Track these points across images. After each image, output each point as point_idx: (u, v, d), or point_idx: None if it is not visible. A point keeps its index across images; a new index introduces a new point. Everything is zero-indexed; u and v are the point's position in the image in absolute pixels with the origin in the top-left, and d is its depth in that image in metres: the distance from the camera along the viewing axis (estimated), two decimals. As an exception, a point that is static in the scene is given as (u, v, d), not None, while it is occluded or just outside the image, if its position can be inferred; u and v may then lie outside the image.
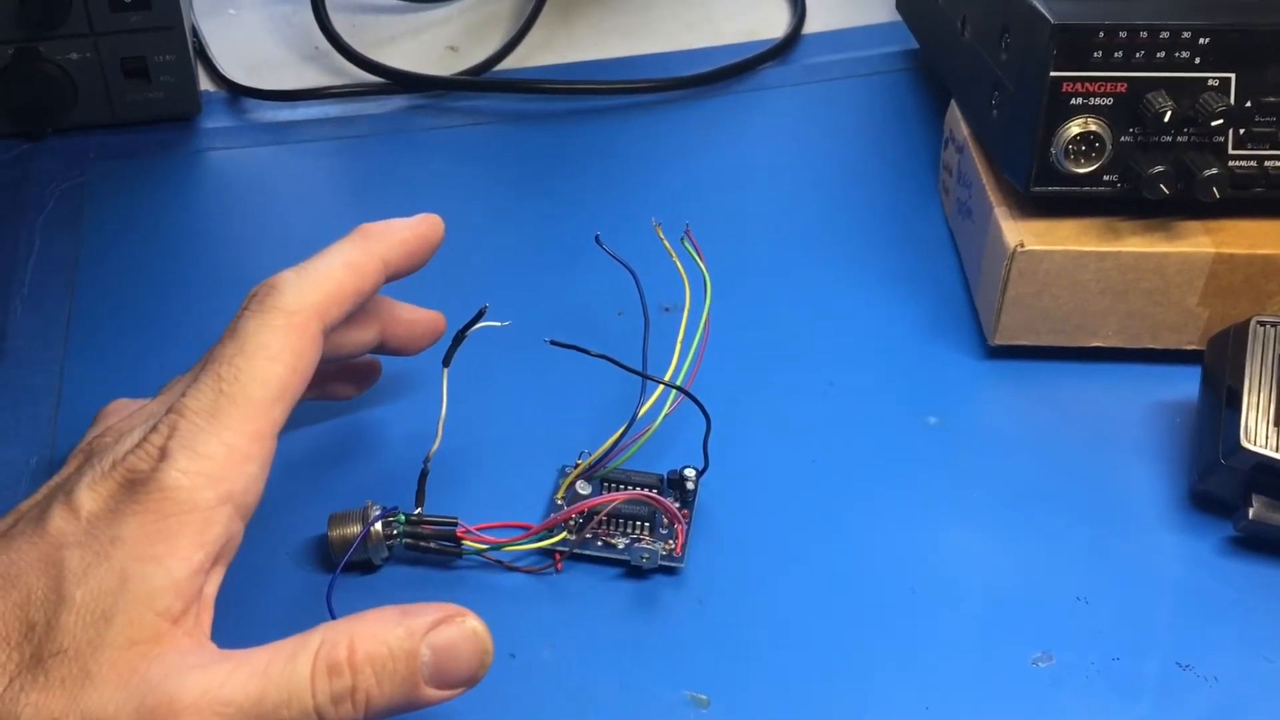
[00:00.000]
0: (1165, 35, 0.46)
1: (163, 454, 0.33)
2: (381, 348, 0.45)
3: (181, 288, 0.55)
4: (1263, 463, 0.42)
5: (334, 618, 0.39)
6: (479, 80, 0.68)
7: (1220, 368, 0.45)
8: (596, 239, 0.46)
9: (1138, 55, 0.46)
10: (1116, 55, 0.46)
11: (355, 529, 0.42)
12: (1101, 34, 0.46)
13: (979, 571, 0.44)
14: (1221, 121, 0.47)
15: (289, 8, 0.74)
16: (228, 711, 0.32)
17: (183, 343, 0.51)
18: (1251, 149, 0.48)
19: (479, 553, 0.43)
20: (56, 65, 0.61)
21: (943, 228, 0.59)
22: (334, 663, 0.33)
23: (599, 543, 0.43)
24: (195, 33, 0.68)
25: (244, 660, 0.33)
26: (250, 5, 0.74)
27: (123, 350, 0.52)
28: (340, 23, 0.67)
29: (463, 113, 0.67)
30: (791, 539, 0.45)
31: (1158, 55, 0.46)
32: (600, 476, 0.45)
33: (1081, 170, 0.48)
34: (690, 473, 0.45)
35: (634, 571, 0.43)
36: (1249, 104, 0.47)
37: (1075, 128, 0.47)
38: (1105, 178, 0.48)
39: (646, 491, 0.43)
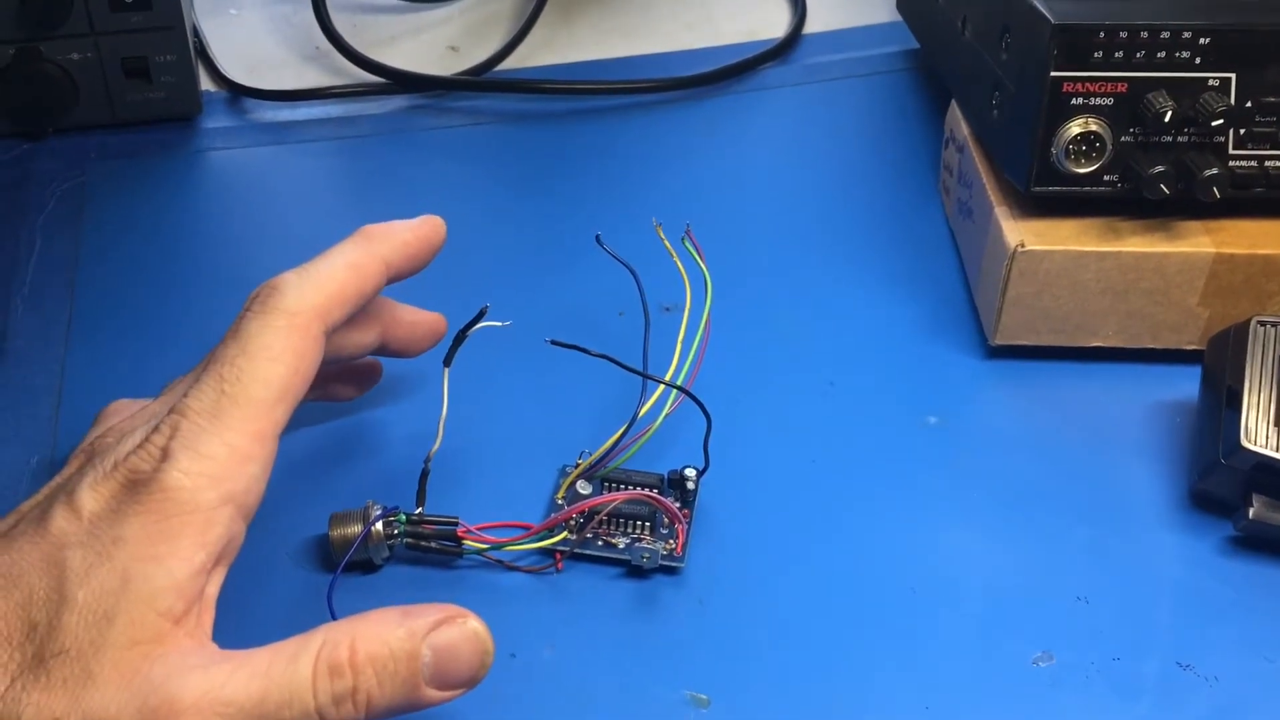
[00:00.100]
0: (1166, 35, 0.46)
1: (165, 454, 0.33)
2: (383, 350, 0.45)
3: (182, 288, 0.55)
4: (1263, 462, 0.42)
5: (335, 617, 0.39)
6: (479, 80, 0.68)
7: (1220, 368, 0.45)
8: (597, 239, 0.46)
9: (1138, 55, 0.46)
10: (1117, 55, 0.46)
11: (356, 529, 0.42)
12: (1102, 34, 0.46)
13: (979, 571, 0.44)
14: (1222, 121, 0.47)
15: (290, 8, 0.74)
16: (229, 712, 0.32)
17: (183, 343, 0.51)
18: (1252, 149, 0.48)
19: (480, 552, 0.43)
20: (57, 65, 0.61)
21: (943, 228, 0.59)
22: (335, 663, 0.33)
23: (599, 542, 0.43)
24: (196, 33, 0.68)
25: (245, 661, 0.33)
26: (251, 5, 0.74)
27: (123, 350, 0.52)
28: (341, 23, 0.67)
29: (463, 113, 0.67)
30: (792, 539, 0.45)
31: (1158, 55, 0.46)
32: (601, 476, 0.45)
33: (1082, 170, 0.48)
34: (691, 472, 0.45)
35: (634, 571, 0.43)
36: (1249, 104, 0.47)
37: (1076, 128, 0.47)
38: (1106, 178, 0.48)
39: (647, 491, 0.43)
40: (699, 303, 0.45)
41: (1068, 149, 0.48)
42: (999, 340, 0.51)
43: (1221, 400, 0.44)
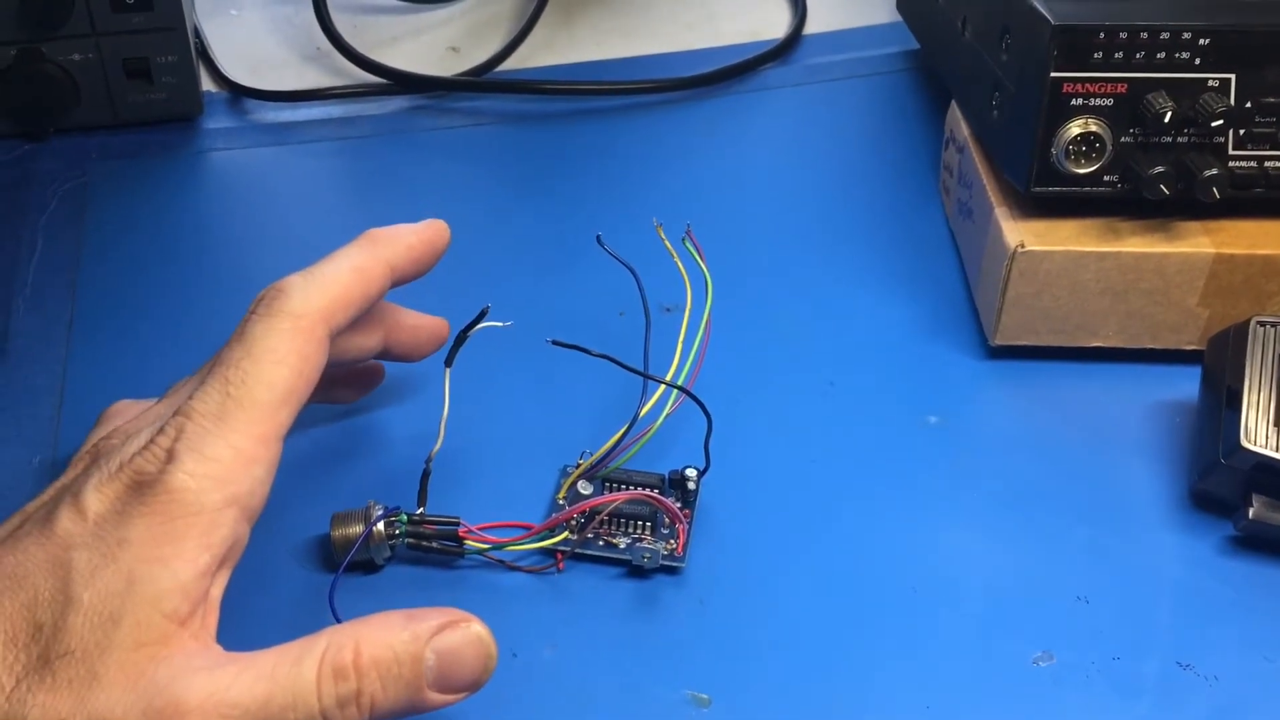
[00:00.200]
0: (1165, 36, 0.46)
1: (170, 456, 0.34)
2: (385, 354, 0.45)
3: (183, 288, 0.55)
4: (1263, 462, 0.42)
5: (336, 617, 0.39)
6: (480, 81, 0.68)
7: (1220, 368, 0.45)
8: (598, 239, 0.46)
9: (1138, 56, 0.46)
10: (1117, 56, 0.46)
11: (358, 529, 0.42)
12: (1102, 34, 0.46)
13: (979, 571, 0.44)
14: (1221, 122, 0.47)
15: (291, 8, 0.74)
16: (234, 714, 0.32)
17: (184, 342, 0.51)
18: (1251, 149, 0.48)
19: (481, 552, 0.43)
20: (58, 66, 0.61)
21: (943, 228, 0.59)
22: (340, 666, 0.33)
23: (600, 542, 0.43)
24: (197, 33, 0.68)
25: (250, 663, 0.33)
26: (252, 6, 0.75)
27: (125, 350, 0.52)
28: (342, 23, 0.67)
29: (464, 113, 0.67)
30: (792, 539, 0.45)
31: (1158, 56, 0.46)
32: (602, 476, 0.45)
33: (1082, 171, 0.48)
34: (691, 473, 0.45)
35: (635, 571, 0.43)
36: (1249, 104, 0.47)
37: (1075, 128, 0.47)
38: (1105, 178, 0.49)
39: (648, 491, 0.44)
40: (699, 303, 0.46)
41: (1068, 149, 0.48)
42: (999, 340, 0.51)
43: (1221, 400, 0.44)
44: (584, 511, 0.43)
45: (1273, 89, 0.47)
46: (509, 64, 0.70)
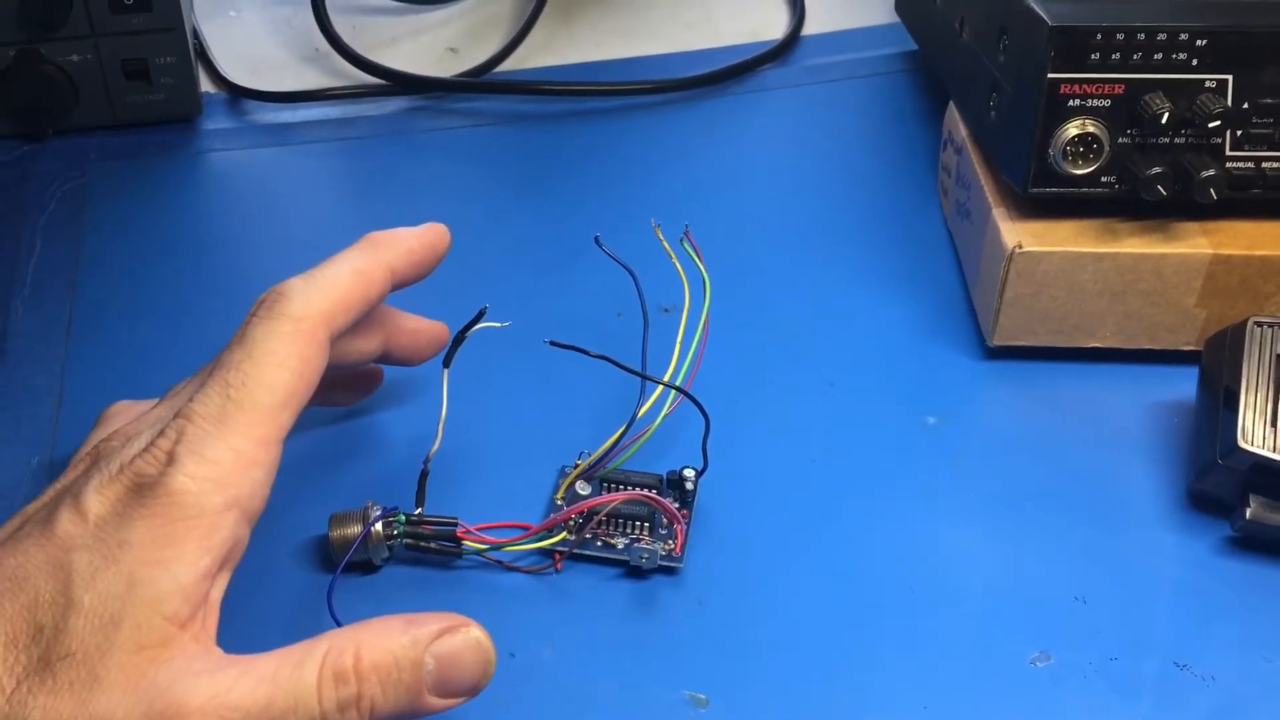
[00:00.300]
0: (1163, 37, 0.46)
1: (170, 458, 0.34)
2: (385, 357, 0.45)
3: (182, 288, 0.55)
4: (1260, 463, 0.42)
5: (334, 617, 0.39)
6: (479, 82, 0.68)
7: (1218, 368, 0.45)
8: (596, 240, 0.46)
9: (1135, 57, 0.47)
10: (1114, 57, 0.47)
11: (356, 529, 0.42)
12: (1099, 35, 0.46)
13: (977, 571, 0.44)
14: (1219, 123, 0.47)
15: (289, 9, 0.74)
16: (235, 717, 0.32)
17: (184, 343, 0.51)
18: (1249, 150, 0.48)
19: (479, 553, 0.43)
20: (57, 67, 0.61)
21: (942, 228, 0.59)
22: (340, 670, 0.33)
23: (598, 543, 0.44)
24: (196, 34, 0.68)
25: (251, 666, 0.33)
26: (251, 7, 0.75)
27: (124, 351, 0.52)
28: (340, 24, 0.67)
29: (463, 114, 0.67)
30: (791, 539, 0.45)
31: (1155, 57, 0.47)
32: (600, 477, 0.45)
33: (1079, 171, 0.48)
34: (689, 473, 0.45)
35: (633, 571, 0.43)
36: (1246, 105, 0.48)
37: (1073, 129, 0.47)
38: (1103, 179, 0.49)
39: (646, 492, 0.44)
40: (698, 303, 0.46)
41: (1065, 150, 0.48)
42: (997, 341, 0.51)
43: (1219, 401, 0.44)
44: (582, 512, 0.43)
45: (1270, 90, 0.47)
46: (508, 65, 0.70)
